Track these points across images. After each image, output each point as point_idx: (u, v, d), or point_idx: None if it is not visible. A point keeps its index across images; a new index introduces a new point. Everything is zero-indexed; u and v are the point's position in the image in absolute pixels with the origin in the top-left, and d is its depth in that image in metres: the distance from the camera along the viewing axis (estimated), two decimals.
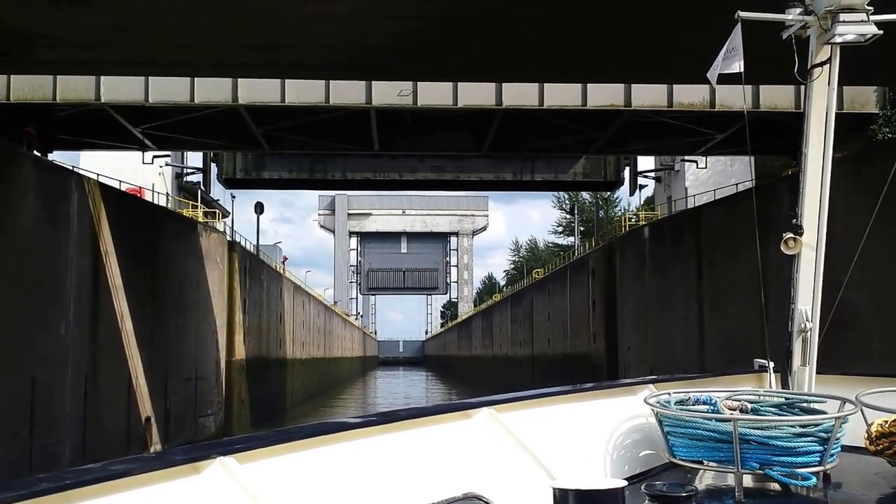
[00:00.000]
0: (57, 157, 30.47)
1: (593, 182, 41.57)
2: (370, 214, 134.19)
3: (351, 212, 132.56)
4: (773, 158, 39.51)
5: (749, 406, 4.48)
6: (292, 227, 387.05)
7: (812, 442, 4.07)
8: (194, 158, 42.92)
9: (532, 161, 39.60)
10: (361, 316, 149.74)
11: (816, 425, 4.11)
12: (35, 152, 27.70)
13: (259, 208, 50.07)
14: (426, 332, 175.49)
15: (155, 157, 35.09)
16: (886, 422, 4.27)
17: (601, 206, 63.40)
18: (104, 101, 24.81)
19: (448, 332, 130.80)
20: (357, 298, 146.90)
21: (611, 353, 38.72)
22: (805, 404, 4.64)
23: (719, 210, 29.09)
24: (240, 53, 20.25)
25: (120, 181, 29.83)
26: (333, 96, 25.20)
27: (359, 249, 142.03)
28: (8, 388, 20.04)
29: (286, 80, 24.75)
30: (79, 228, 24.04)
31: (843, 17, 4.80)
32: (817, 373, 5.25)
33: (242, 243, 43.32)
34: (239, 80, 24.76)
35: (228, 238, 39.57)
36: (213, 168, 40.80)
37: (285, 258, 74.54)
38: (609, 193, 55.28)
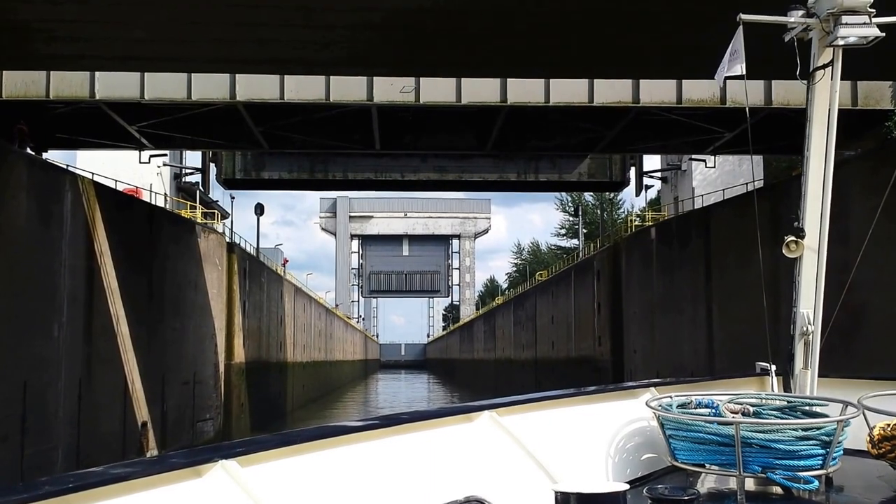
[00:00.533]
0: (53, 156, 29.91)
1: (598, 182, 40.92)
2: (372, 217, 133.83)
3: (352, 214, 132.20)
4: (780, 158, 38.92)
5: (751, 409, 4.50)
6: (293, 230, 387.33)
7: (814, 445, 4.06)
8: (193, 159, 42.33)
9: (536, 161, 38.99)
10: (363, 319, 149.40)
11: (818, 428, 4.10)
12: (29, 150, 27.18)
13: (259, 209, 49.51)
14: (428, 336, 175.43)
15: (152, 156, 34.48)
16: (889, 425, 4.26)
17: (605, 207, 62.67)
18: (99, 97, 24.21)
19: (450, 335, 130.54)
20: (359, 301, 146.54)
21: (616, 356, 38.15)
22: (807, 407, 4.64)
23: (729, 210, 28.45)
24: (237, 48, 19.67)
25: (116, 181, 29.21)
26: (334, 93, 24.57)
27: (360, 252, 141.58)
28: None
29: (285, 77, 24.12)
30: (73, 228, 23.53)
31: (845, 19, 4.76)
32: (819, 376, 5.23)
33: (242, 245, 42.78)
34: (237, 76, 24.14)
35: (228, 239, 39.02)
36: (212, 168, 40.20)
37: (286, 260, 74.04)
38: (613, 195, 54.64)
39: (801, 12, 4.98)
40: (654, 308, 34.29)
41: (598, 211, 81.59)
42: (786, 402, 4.70)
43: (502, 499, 3.62)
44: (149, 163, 34.73)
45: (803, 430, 4.09)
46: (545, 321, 54.96)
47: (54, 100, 24.45)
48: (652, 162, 44.35)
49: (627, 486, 3.24)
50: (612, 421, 4.79)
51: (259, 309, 43.79)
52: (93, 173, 26.23)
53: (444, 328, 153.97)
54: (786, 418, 4.45)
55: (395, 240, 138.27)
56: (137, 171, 36.00)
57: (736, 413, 4.41)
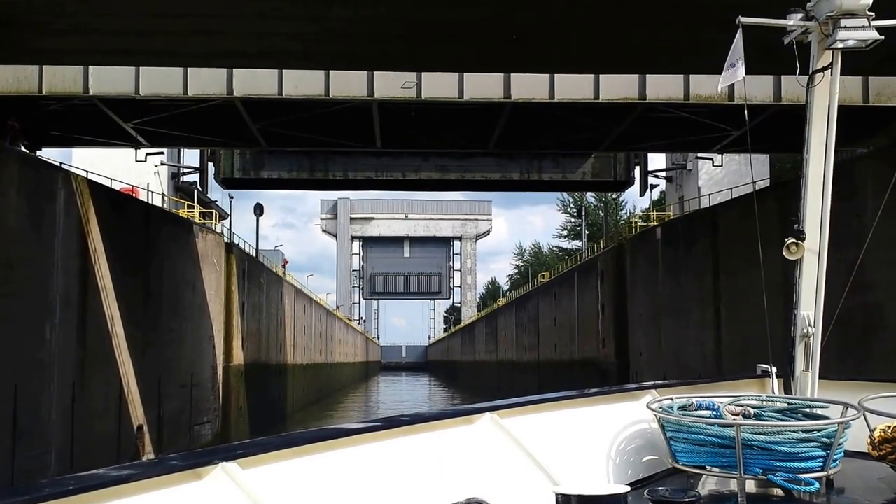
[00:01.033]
0: (47, 154, 29.32)
1: (603, 182, 40.31)
2: (373, 218, 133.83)
3: (353, 216, 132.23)
4: (784, 158, 38.33)
5: (752, 411, 4.53)
6: (294, 232, 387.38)
7: (815, 447, 4.08)
8: (191, 158, 41.86)
9: (539, 160, 38.42)
10: (364, 321, 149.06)
11: (819, 430, 4.11)
12: (22, 147, 26.65)
13: (258, 209, 48.99)
14: (429, 338, 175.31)
15: (148, 154, 33.91)
16: (889, 427, 4.26)
17: (610, 206, 62.08)
18: (93, 93, 23.61)
19: (451, 337, 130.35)
20: (359, 303, 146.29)
21: (621, 358, 37.64)
22: (808, 409, 4.66)
23: (737, 209, 27.87)
24: (234, 40, 19.13)
25: (111, 179, 28.68)
26: (333, 89, 23.97)
27: (361, 254, 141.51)
28: None
29: (283, 71, 23.53)
30: (66, 227, 23.07)
31: (844, 22, 4.76)
32: (820, 378, 5.23)
33: (242, 246, 42.27)
34: (234, 71, 23.54)
35: (226, 240, 38.50)
36: (211, 168, 39.66)
37: (285, 261, 73.58)
38: (616, 196, 54.05)
39: (800, 15, 4.98)
40: (660, 309, 33.76)
41: (601, 212, 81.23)
42: (786, 404, 4.73)
43: (503, 501, 3.64)
44: (145, 161, 34.16)
45: (804, 432, 4.11)
46: (548, 323, 54.55)
47: (47, 95, 23.85)
48: (656, 162, 43.86)
49: (628, 488, 3.28)
50: (613, 423, 4.80)
51: (258, 310, 43.34)
52: (87, 171, 25.70)
53: (446, 330, 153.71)
54: (786, 420, 4.49)
55: (396, 241, 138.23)
56: (134, 171, 35.54)
57: (737, 415, 4.44)
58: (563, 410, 4.79)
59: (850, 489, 4.36)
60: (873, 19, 4.76)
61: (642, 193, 40.19)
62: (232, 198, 46.86)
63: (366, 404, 71.29)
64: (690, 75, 24.12)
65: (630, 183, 39.98)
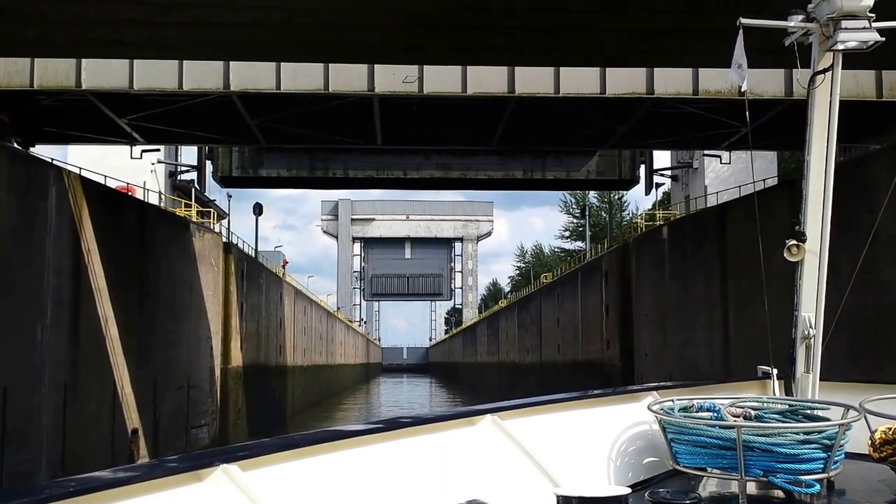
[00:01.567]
0: (41, 151, 28.62)
1: (607, 180, 39.67)
2: (374, 219, 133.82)
3: (354, 217, 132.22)
4: (789, 159, 37.71)
5: (752, 413, 4.54)
6: (295, 233, 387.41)
7: (816, 449, 4.09)
8: (189, 156, 41.25)
9: (543, 158, 37.78)
10: (365, 322, 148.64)
11: (820, 432, 4.12)
12: (14, 144, 26.04)
13: (258, 209, 48.40)
14: (430, 339, 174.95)
15: (143, 151, 33.28)
16: (890, 429, 4.28)
17: (615, 207, 61.40)
18: (85, 87, 23.02)
19: (452, 338, 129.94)
20: (360, 305, 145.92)
21: (626, 360, 36.99)
22: (809, 411, 4.66)
23: (746, 207, 27.20)
24: (230, 31, 18.49)
25: (105, 176, 28.05)
26: (333, 83, 23.33)
27: (362, 255, 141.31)
28: None
29: (281, 65, 22.92)
30: (58, 225, 22.50)
31: (845, 24, 4.74)
32: (821, 379, 5.24)
33: (241, 246, 41.65)
34: (231, 64, 22.93)
35: (224, 239, 37.88)
36: (209, 166, 39.03)
37: (285, 262, 73.01)
38: (619, 196, 53.40)
39: (801, 17, 4.96)
40: (665, 310, 33.11)
41: (603, 213, 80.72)
42: (787, 406, 4.74)
43: (504, 502, 3.69)
44: (140, 158, 33.54)
45: (805, 433, 4.13)
46: (550, 324, 53.98)
47: (39, 90, 23.27)
48: (661, 161, 43.24)
49: (629, 490, 3.34)
50: (614, 424, 4.81)
51: (257, 311, 42.77)
52: (80, 168, 25.09)
53: (447, 332, 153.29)
54: (787, 422, 4.50)
55: (397, 242, 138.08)
56: (130, 169, 34.91)
57: (737, 417, 4.43)
58: (564, 412, 4.79)
59: (851, 491, 4.38)
60: (874, 20, 4.74)
61: (647, 192, 39.61)
62: (230, 197, 46.34)
63: (367, 406, 70.90)
64: (699, 69, 23.48)
65: (635, 182, 39.33)
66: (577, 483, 3.92)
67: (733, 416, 4.45)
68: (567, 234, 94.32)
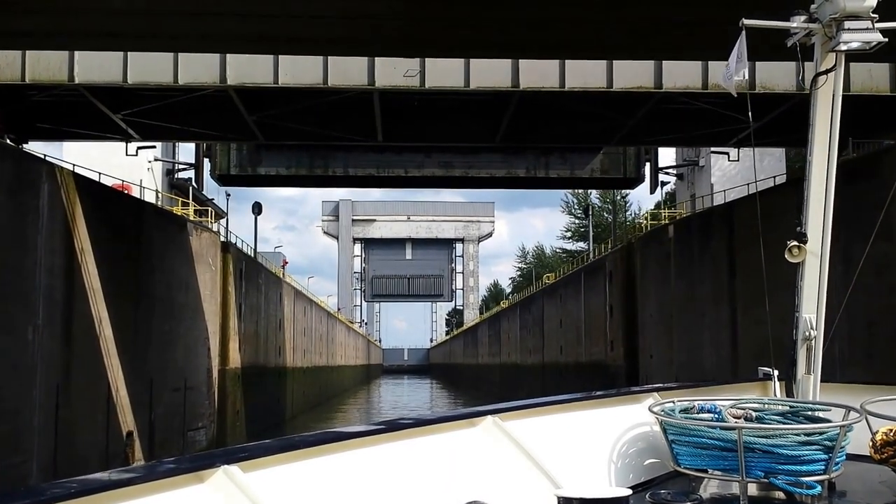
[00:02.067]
0: (35, 148, 28.05)
1: (612, 179, 38.97)
2: (374, 220, 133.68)
3: (355, 218, 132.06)
4: (794, 159, 37.09)
5: (753, 414, 4.53)
6: (295, 234, 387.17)
7: (817, 450, 4.09)
8: (186, 154, 40.69)
9: (546, 156, 37.15)
10: (365, 323, 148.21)
11: (821, 433, 4.13)
12: (7, 140, 25.49)
13: (256, 208, 47.80)
14: (431, 340, 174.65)
15: (139, 148, 32.66)
16: (891, 430, 4.29)
17: (619, 206, 60.84)
18: (78, 81, 22.41)
19: (453, 339, 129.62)
20: (361, 306, 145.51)
21: (630, 361, 36.40)
22: (810, 412, 4.67)
23: (755, 204, 26.61)
24: (225, 22, 17.90)
25: (100, 173, 27.47)
26: (332, 77, 22.72)
27: (363, 256, 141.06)
28: None
29: (279, 58, 22.30)
30: (50, 223, 21.97)
31: (847, 24, 4.74)
32: (822, 381, 5.26)
33: (240, 246, 41.07)
34: (227, 58, 22.31)
35: (222, 239, 37.30)
36: (207, 164, 38.42)
37: (285, 262, 72.42)
38: (622, 196, 52.79)
39: (803, 17, 4.94)
40: (671, 310, 32.52)
41: (605, 213, 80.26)
42: (788, 407, 4.74)
43: None
44: (136, 155, 32.92)
45: (806, 434, 4.14)
46: (553, 325, 53.45)
47: (31, 84, 22.66)
48: (665, 159, 42.62)
49: (630, 492, 3.39)
50: (614, 426, 4.82)
51: (256, 312, 42.20)
52: (73, 164, 24.52)
53: (448, 333, 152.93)
54: (788, 423, 4.50)
55: (398, 243, 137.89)
56: (127, 167, 34.35)
57: (738, 418, 4.43)
58: (565, 413, 4.79)
59: (852, 492, 4.38)
60: (877, 21, 4.71)
61: (652, 191, 38.97)
62: (228, 195, 45.76)
63: (367, 408, 70.45)
64: (709, 62, 22.86)
65: (640, 180, 38.72)
66: (578, 484, 3.92)
67: (734, 417, 4.45)
68: (569, 234, 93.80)
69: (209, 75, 22.57)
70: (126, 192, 30.06)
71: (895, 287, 20.54)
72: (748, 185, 28.18)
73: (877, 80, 22.97)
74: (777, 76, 22.56)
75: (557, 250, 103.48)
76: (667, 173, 42.37)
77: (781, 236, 5.39)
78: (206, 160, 38.24)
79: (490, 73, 23.07)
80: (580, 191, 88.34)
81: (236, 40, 19.07)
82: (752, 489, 4.12)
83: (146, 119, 26.29)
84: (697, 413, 4.57)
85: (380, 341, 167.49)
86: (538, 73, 23.18)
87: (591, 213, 64.10)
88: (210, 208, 39.41)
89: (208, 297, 33.57)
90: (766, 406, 4.80)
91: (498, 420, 4.29)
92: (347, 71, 22.71)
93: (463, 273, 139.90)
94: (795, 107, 23.50)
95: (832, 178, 5.11)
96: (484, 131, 28.90)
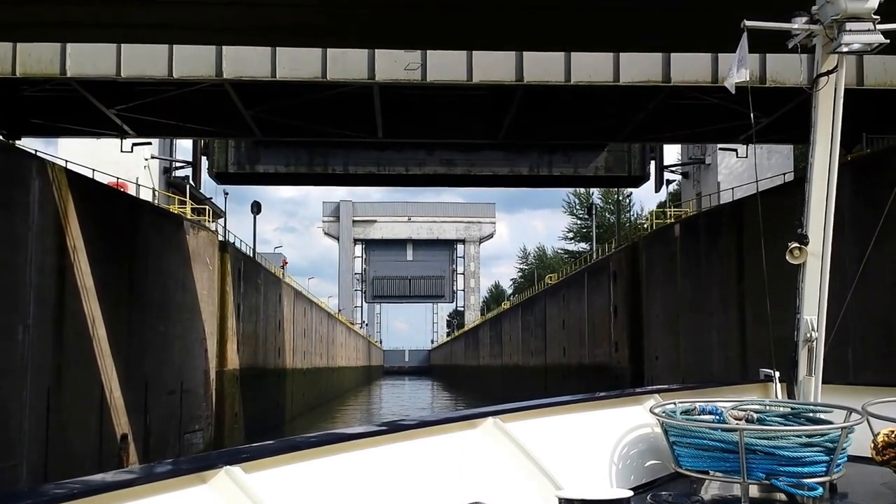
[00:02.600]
0: (29, 144, 27.45)
1: (616, 177, 38.37)
2: (375, 221, 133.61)
3: (356, 218, 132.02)
4: (800, 159, 36.42)
5: (755, 416, 4.54)
6: (296, 236, 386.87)
7: (818, 452, 4.09)
8: (184, 153, 40.02)
9: (550, 154, 36.53)
10: (366, 325, 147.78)
11: (822, 435, 4.13)
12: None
13: (256, 207, 47.19)
14: (432, 342, 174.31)
15: (134, 144, 32.02)
16: (893, 431, 4.29)
17: (622, 208, 60.20)
18: (70, 75, 21.79)
19: (455, 341, 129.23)
20: (362, 307, 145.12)
21: (635, 363, 35.76)
22: (811, 414, 4.68)
23: (766, 202, 25.95)
24: (219, 11, 17.28)
25: (94, 169, 26.87)
26: (331, 70, 22.08)
27: (364, 257, 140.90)
28: None
29: (277, 50, 21.67)
30: (41, 221, 21.42)
31: (849, 26, 4.74)
32: (823, 382, 5.24)
33: (238, 245, 40.47)
34: (223, 50, 21.68)
35: (220, 238, 36.68)
36: (204, 162, 37.80)
37: (285, 262, 71.79)
38: (628, 194, 52.16)
39: (804, 19, 4.94)
40: (678, 311, 31.86)
41: (607, 214, 79.76)
42: (789, 409, 4.74)
43: None
44: (131, 151, 32.29)
45: (807, 436, 4.14)
46: (555, 326, 52.87)
47: (21, 78, 22.03)
48: (669, 157, 41.99)
49: (631, 493, 3.46)
50: (615, 427, 4.81)
51: (255, 312, 41.61)
52: (66, 161, 23.92)
53: (449, 334, 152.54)
54: (790, 425, 4.49)
55: (398, 244, 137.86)
56: (123, 166, 33.75)
57: (740, 420, 4.43)
58: (566, 415, 4.79)
59: (854, 494, 4.37)
60: (878, 23, 4.71)
61: (657, 189, 38.33)
62: (227, 194, 45.13)
63: (368, 409, 69.97)
64: (719, 55, 22.20)
65: (645, 178, 38.07)
66: (579, 486, 3.92)
67: (735, 418, 4.44)
68: (571, 235, 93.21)
69: (204, 69, 21.95)
70: (122, 189, 29.47)
71: None
72: (757, 182, 27.52)
73: (891, 75, 22.35)
74: (789, 69, 21.89)
75: (559, 251, 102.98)
76: (672, 171, 41.75)
77: (791, 235, 5.36)
78: (203, 158, 37.63)
79: (493, 66, 22.43)
80: (582, 191, 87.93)
81: (231, 31, 18.43)
82: (754, 491, 4.13)
83: (141, 115, 25.67)
84: (698, 414, 4.57)
85: (380, 343, 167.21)
86: (543, 67, 22.54)
87: (594, 212, 63.34)
88: (208, 207, 38.77)
89: (205, 297, 32.97)
90: (768, 407, 4.79)
91: (499, 421, 4.28)
92: (347, 64, 22.08)
93: (464, 274, 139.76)
94: (806, 102, 22.84)
95: (833, 179, 5.07)
96: (486, 128, 28.27)
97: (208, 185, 42.95)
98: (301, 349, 58.17)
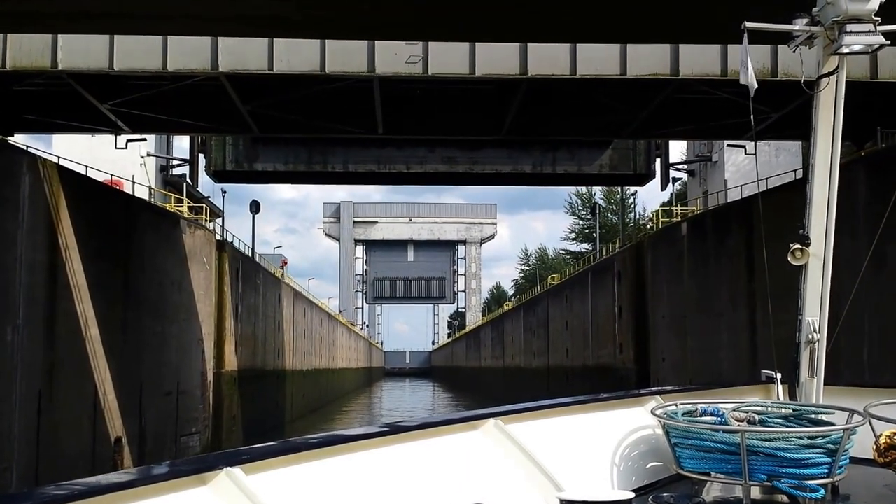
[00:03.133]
0: (22, 141, 26.81)
1: (621, 175, 37.69)
2: (376, 222, 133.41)
3: (357, 219, 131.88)
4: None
5: (757, 417, 4.52)
6: (297, 237, 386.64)
7: (820, 454, 4.08)
8: (181, 151, 39.45)
9: (553, 152, 35.91)
10: (367, 326, 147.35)
11: (824, 437, 4.14)
12: None
13: (254, 206, 46.58)
14: (433, 343, 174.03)
15: (129, 141, 31.38)
16: (895, 433, 4.27)
17: (628, 206, 59.54)
18: (62, 67, 21.16)
19: (456, 342, 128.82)
20: (363, 308, 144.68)
21: (641, 364, 35.12)
22: (813, 416, 4.67)
23: (777, 199, 25.31)
24: (217, 0, 16.68)
25: (87, 166, 26.27)
26: (330, 63, 21.45)
27: (364, 258, 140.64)
28: None
29: (274, 43, 21.04)
30: (31, 218, 20.88)
31: (850, 27, 4.74)
32: (825, 384, 5.23)
33: (237, 245, 39.86)
34: (219, 42, 21.05)
35: (218, 237, 36.08)
36: (202, 160, 37.18)
37: (285, 262, 71.16)
38: (633, 192, 51.49)
39: (805, 20, 4.95)
40: (685, 311, 31.22)
41: (609, 214, 79.24)
42: (791, 411, 4.74)
43: None
44: (126, 148, 31.65)
45: (809, 438, 4.13)
46: (558, 327, 52.28)
47: (12, 71, 21.40)
48: (675, 155, 41.34)
49: (633, 495, 3.61)
50: (617, 429, 4.82)
51: (254, 313, 41.03)
52: (58, 157, 23.33)
53: (450, 335, 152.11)
54: (791, 426, 4.46)
55: (399, 245, 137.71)
56: (119, 163, 33.16)
57: (741, 421, 4.44)
58: (568, 416, 4.80)
59: (856, 496, 4.37)
60: (879, 24, 4.71)
61: (663, 187, 37.70)
62: (224, 192, 44.50)
63: (368, 411, 69.47)
64: (728, 46, 21.56)
65: (650, 176, 37.44)
66: (581, 487, 3.94)
67: (737, 420, 4.44)
68: (573, 235, 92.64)
69: (200, 61, 21.32)
70: (117, 187, 28.87)
71: None
72: (767, 178, 26.91)
73: None
74: (797, 62, 21.22)
75: (561, 251, 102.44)
76: (678, 169, 41.14)
77: (793, 235, 5.29)
78: (201, 156, 37.02)
79: (497, 59, 21.79)
80: (584, 192, 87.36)
81: (225, 20, 17.79)
82: (755, 492, 4.13)
83: (135, 110, 25.03)
84: (700, 416, 4.56)
85: (381, 344, 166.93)
86: (548, 60, 21.91)
87: (597, 211, 62.72)
88: (205, 205, 38.16)
89: (202, 297, 32.37)
90: (769, 409, 4.77)
91: (500, 423, 4.29)
92: (346, 57, 21.44)
93: (465, 275, 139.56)
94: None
95: (835, 180, 5.07)
96: (489, 124, 27.64)
97: (207, 184, 42.47)
98: (301, 350, 57.63)
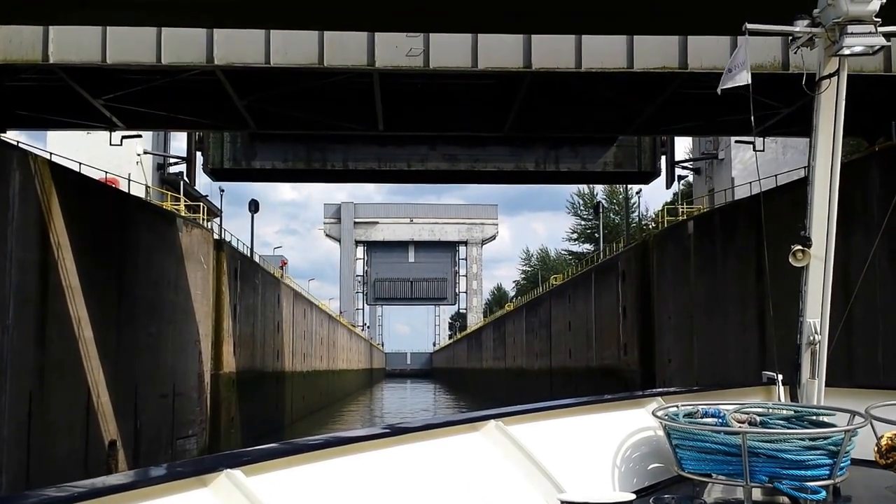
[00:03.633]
0: (14, 137, 26.24)
1: (626, 173, 37.06)
2: (377, 223, 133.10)
3: (357, 220, 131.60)
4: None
5: (758, 419, 4.51)
6: (297, 238, 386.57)
7: (821, 455, 4.08)
8: (178, 149, 38.91)
9: (557, 149, 35.32)
10: (368, 327, 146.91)
11: (826, 438, 4.14)
12: None
13: (253, 206, 46.00)
14: (434, 344, 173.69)
15: (124, 137, 30.79)
16: None
17: (632, 205, 58.92)
18: (53, 61, 20.58)
19: (457, 343, 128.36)
20: (363, 309, 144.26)
21: (646, 365, 34.52)
22: (814, 417, 4.67)
23: (787, 197, 24.73)
24: None
25: (80, 163, 25.71)
26: (328, 55, 20.85)
27: (365, 259, 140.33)
28: None
29: (271, 34, 20.44)
30: (21, 215, 20.40)
31: (850, 28, 4.76)
32: (826, 385, 5.21)
33: (236, 245, 39.28)
34: (214, 35, 20.45)
35: (216, 236, 35.50)
36: (199, 159, 36.61)
37: (284, 262, 70.59)
38: (637, 191, 50.86)
39: (806, 22, 4.97)
40: (692, 311, 30.62)
41: (612, 214, 78.69)
42: (793, 412, 4.71)
43: None
44: (121, 144, 31.07)
45: (810, 439, 4.12)
46: (561, 327, 51.70)
47: (1, 65, 20.81)
48: (680, 153, 40.77)
49: (634, 496, 3.70)
50: (618, 430, 4.80)
51: (253, 313, 40.48)
52: (50, 153, 22.78)
53: (451, 337, 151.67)
54: (793, 428, 4.42)
55: (400, 246, 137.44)
56: (115, 161, 32.59)
57: (742, 423, 4.43)
58: (569, 418, 4.79)
59: (857, 497, 4.39)
60: (880, 25, 4.72)
61: (669, 185, 37.13)
62: (223, 190, 43.93)
63: (369, 412, 68.96)
64: (738, 38, 20.94)
65: (656, 174, 36.83)
66: (582, 489, 3.97)
67: (738, 422, 4.42)
68: (575, 236, 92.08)
69: (195, 54, 20.72)
70: (112, 185, 28.30)
71: None
72: (776, 175, 26.28)
73: None
74: (811, 55, 20.64)
75: (563, 252, 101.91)
76: (684, 167, 40.53)
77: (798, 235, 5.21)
78: (198, 154, 36.45)
79: (500, 52, 21.18)
80: (586, 191, 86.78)
81: (220, 9, 17.19)
82: (757, 494, 4.14)
83: (130, 105, 24.44)
84: (701, 417, 4.55)
85: (382, 345, 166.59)
86: (552, 53, 21.30)
87: (601, 210, 62.09)
88: (203, 204, 37.57)
89: (200, 297, 31.80)
90: (771, 410, 4.74)
91: (501, 424, 4.30)
92: (345, 49, 20.84)
93: (466, 276, 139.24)
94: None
95: (836, 181, 5.06)
96: (491, 120, 27.04)
97: (206, 184, 41.92)
98: (301, 351, 57.09)
